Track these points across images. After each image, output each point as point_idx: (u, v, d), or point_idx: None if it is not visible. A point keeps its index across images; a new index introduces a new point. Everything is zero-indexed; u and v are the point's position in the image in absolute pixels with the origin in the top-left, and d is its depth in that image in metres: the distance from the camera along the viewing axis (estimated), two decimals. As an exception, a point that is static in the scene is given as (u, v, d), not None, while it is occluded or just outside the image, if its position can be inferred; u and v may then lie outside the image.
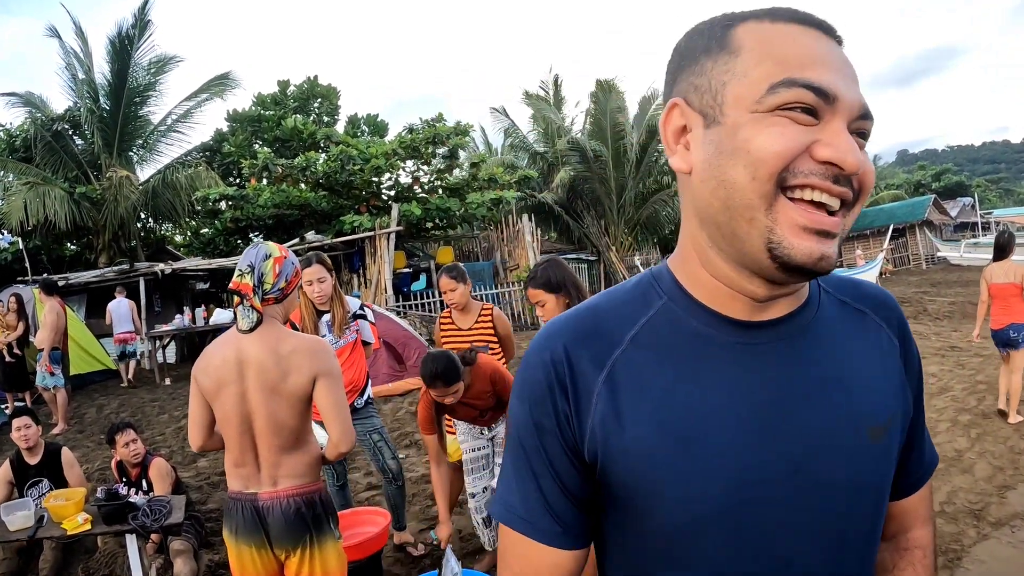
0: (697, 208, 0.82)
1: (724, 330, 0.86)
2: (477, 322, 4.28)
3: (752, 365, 0.85)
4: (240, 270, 2.51)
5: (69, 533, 3.80)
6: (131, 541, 3.86)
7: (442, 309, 15.60)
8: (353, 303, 4.36)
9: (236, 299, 2.51)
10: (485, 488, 4.08)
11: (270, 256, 2.55)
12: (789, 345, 0.86)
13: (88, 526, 3.83)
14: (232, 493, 2.61)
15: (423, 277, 17.45)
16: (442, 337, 4.37)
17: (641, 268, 22.57)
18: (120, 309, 12.18)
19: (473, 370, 3.63)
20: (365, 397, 4.34)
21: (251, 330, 2.49)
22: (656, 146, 23.80)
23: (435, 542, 4.54)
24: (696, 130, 0.80)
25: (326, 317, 4.19)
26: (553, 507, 0.90)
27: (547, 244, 21.21)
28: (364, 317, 4.40)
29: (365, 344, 4.40)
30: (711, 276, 0.85)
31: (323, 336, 4.15)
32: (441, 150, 17.52)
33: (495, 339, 4.27)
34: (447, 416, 3.97)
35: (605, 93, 23.16)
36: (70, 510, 3.89)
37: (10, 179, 17.73)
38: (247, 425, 2.51)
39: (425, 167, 18.00)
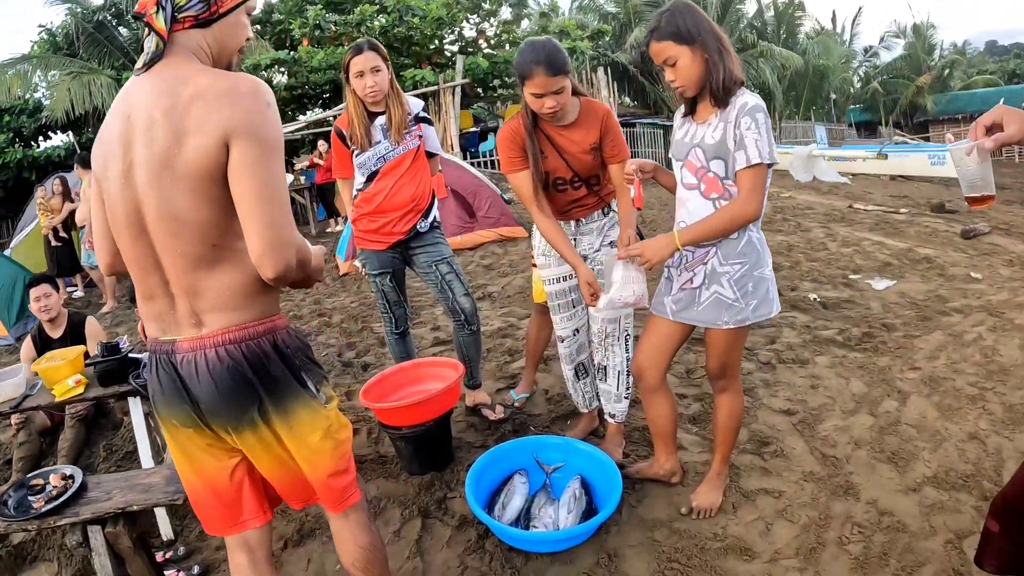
0: None
1: None
2: None
3: None
4: None
5: (58, 399, 3.04)
6: (134, 405, 3.07)
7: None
8: (415, 104, 3.38)
9: (145, 31, 1.51)
10: (576, 331, 3.17)
11: None
12: None
13: (80, 389, 3.07)
14: (149, 343, 1.65)
15: (491, 137, 16.53)
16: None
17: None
18: None
19: (584, 105, 2.81)
20: (430, 219, 3.39)
21: (147, 67, 1.50)
22: (738, 3, 21.86)
23: (516, 403, 3.71)
24: None
25: (380, 120, 3.24)
26: None
27: (620, 108, 19.75)
28: (428, 121, 3.42)
29: (430, 156, 3.44)
30: None
31: (377, 142, 3.24)
32: (509, -1, 16.18)
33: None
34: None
35: (685, -56, 21.31)
36: (64, 372, 3.12)
37: (54, 75, 17.06)
38: (140, 225, 1.51)
39: (491, 19, 16.66)
